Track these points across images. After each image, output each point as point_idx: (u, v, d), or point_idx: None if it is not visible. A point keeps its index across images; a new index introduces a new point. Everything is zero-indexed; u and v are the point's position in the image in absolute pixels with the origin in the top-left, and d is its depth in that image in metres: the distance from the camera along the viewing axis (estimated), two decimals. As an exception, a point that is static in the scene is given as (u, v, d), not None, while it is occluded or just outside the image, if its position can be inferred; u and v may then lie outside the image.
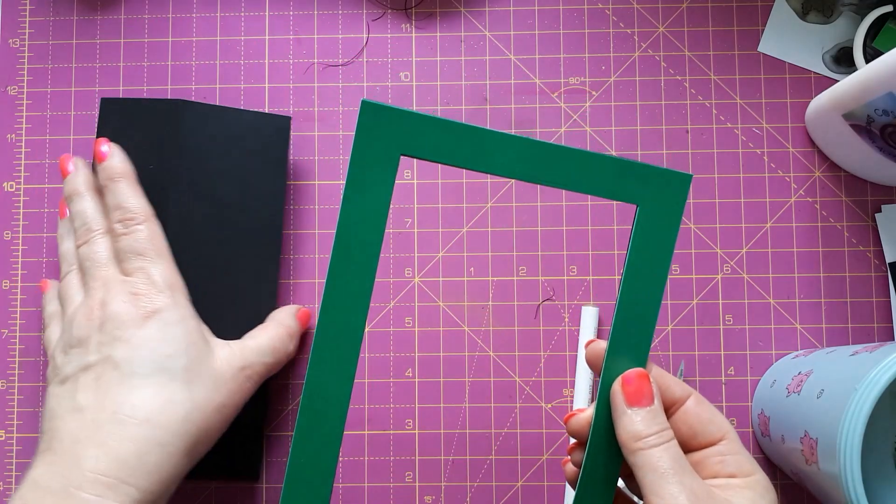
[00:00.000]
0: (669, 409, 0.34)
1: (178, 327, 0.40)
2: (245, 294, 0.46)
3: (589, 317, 0.48)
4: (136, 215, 0.42)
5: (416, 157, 0.32)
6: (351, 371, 0.32)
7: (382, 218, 0.31)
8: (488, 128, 0.32)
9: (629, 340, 0.34)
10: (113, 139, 0.45)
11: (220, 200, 0.46)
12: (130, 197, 0.43)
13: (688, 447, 0.33)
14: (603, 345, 0.34)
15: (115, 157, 0.44)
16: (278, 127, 0.47)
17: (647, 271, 0.34)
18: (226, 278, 0.46)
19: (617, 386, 0.33)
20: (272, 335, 0.44)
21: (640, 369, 0.33)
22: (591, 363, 0.35)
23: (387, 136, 0.31)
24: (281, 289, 0.49)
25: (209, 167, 0.46)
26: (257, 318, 0.46)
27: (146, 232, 0.42)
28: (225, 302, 0.46)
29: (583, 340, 0.48)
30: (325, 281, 0.31)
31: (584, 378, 0.47)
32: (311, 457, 0.31)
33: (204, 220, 0.46)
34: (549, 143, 0.33)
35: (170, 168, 0.46)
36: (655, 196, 0.34)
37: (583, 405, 0.47)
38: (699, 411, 0.34)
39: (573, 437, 0.35)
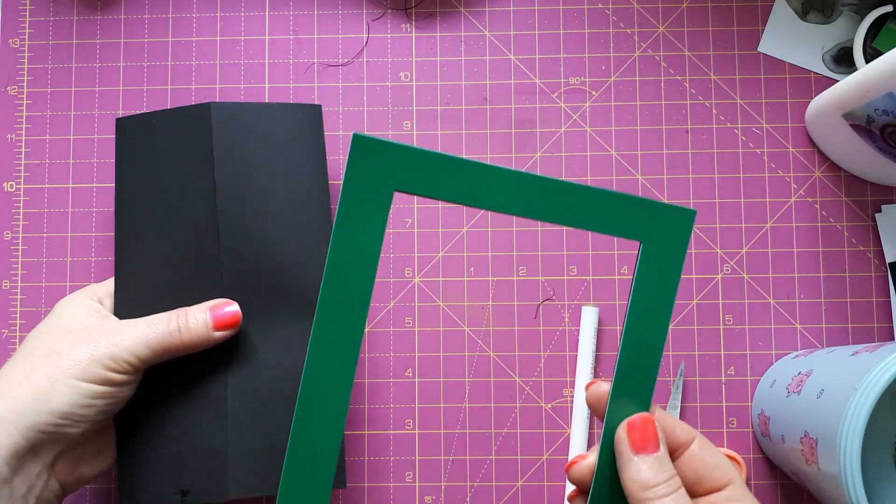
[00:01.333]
0: (674, 454, 0.33)
1: None
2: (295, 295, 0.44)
3: (589, 317, 0.48)
4: None
5: (411, 193, 0.30)
6: (341, 419, 0.30)
7: (374, 257, 0.30)
8: (487, 163, 0.31)
9: (633, 383, 0.33)
10: (134, 161, 0.44)
11: (268, 204, 0.44)
12: None
13: (693, 493, 0.32)
14: (604, 387, 0.33)
15: None
16: (310, 117, 0.45)
17: (650, 311, 0.33)
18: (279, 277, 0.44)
19: (622, 432, 0.32)
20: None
21: (645, 414, 0.32)
22: (592, 406, 0.34)
23: (380, 171, 0.30)
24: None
25: (247, 171, 0.44)
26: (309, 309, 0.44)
27: None
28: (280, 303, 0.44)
29: (583, 340, 0.48)
30: (312, 325, 0.30)
31: (583, 380, 0.47)
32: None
33: (256, 227, 0.44)
34: (550, 178, 0.31)
35: (205, 179, 0.44)
36: (659, 233, 0.32)
37: (582, 409, 0.47)
38: (704, 455, 0.33)
39: (575, 484, 0.34)
